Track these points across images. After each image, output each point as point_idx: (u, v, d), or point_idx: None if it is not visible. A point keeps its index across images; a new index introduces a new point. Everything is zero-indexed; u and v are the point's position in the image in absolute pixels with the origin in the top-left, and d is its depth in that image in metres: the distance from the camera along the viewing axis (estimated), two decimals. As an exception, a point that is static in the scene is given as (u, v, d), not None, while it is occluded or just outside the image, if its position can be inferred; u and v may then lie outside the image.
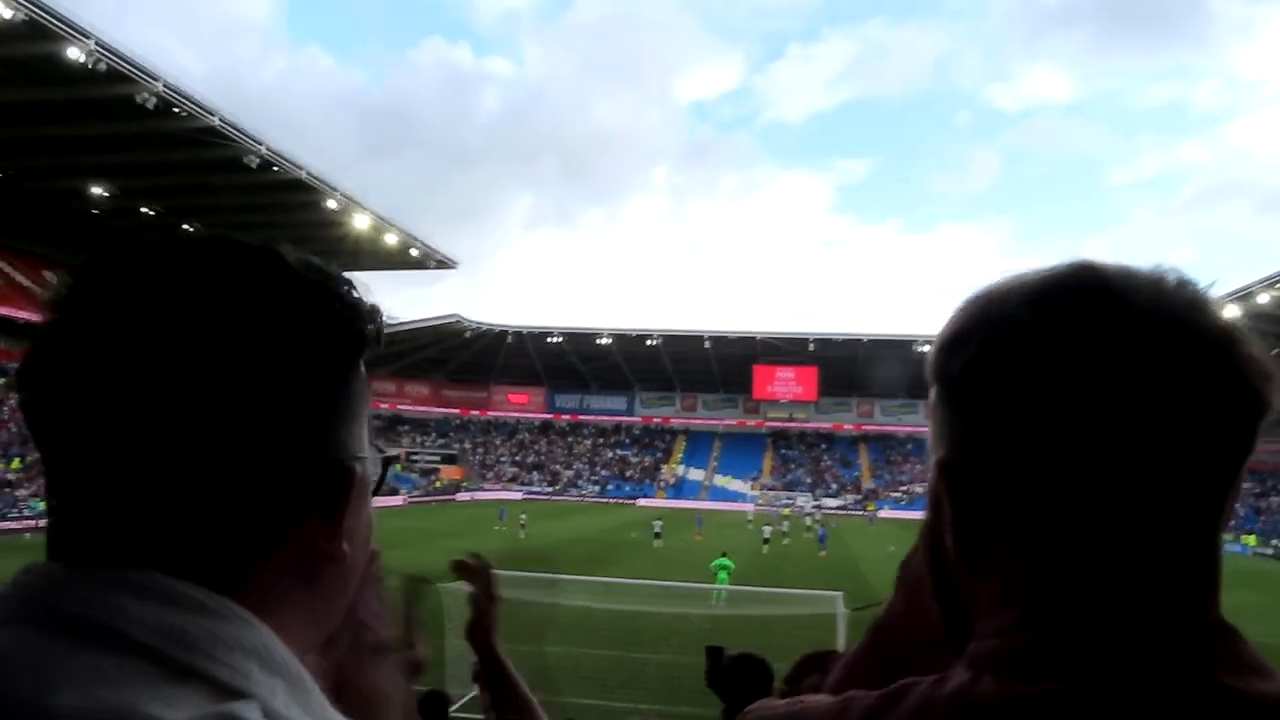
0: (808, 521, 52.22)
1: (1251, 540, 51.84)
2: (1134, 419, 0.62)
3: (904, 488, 78.60)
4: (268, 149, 43.24)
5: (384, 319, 0.69)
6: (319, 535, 0.63)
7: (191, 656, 0.55)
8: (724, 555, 27.04)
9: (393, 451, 0.78)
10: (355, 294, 0.67)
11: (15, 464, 44.02)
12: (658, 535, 41.36)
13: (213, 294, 0.60)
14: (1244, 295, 52.62)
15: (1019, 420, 0.65)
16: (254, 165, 42.91)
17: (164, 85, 36.93)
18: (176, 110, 38.16)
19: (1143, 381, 0.62)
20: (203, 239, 0.64)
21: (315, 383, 0.62)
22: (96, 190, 47.58)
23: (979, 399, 0.68)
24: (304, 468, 0.62)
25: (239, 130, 41.50)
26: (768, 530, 44.19)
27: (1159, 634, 0.62)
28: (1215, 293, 0.67)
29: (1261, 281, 51.40)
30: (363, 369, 0.68)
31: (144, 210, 50.81)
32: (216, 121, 39.99)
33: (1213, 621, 0.64)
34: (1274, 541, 50.49)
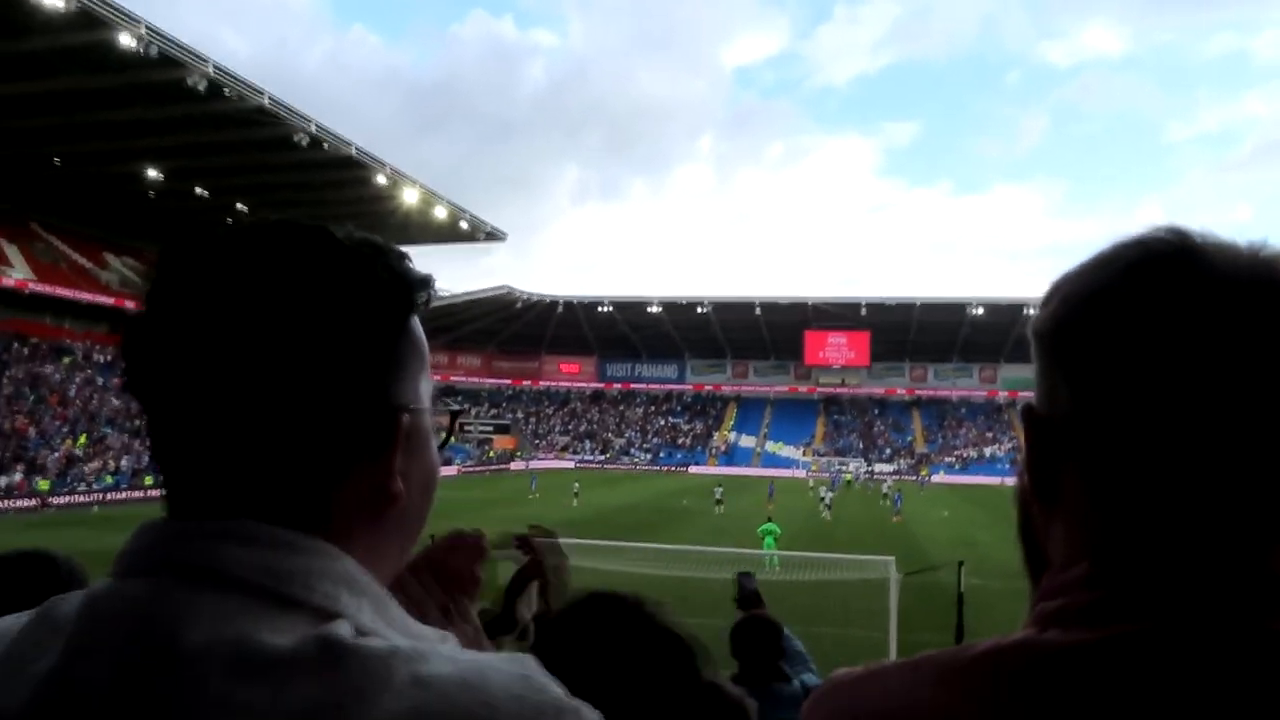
0: (885, 488, 51.68)
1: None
2: (1209, 379, 0.64)
3: (957, 452, 77.84)
4: (316, 126, 43.74)
5: (433, 285, 0.78)
6: (379, 475, 0.72)
7: (290, 589, 0.65)
8: (769, 520, 27.09)
9: (457, 406, 0.87)
10: (403, 262, 0.76)
11: (82, 440, 45.37)
12: (719, 502, 41.52)
13: (275, 270, 0.70)
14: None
15: (1094, 376, 0.68)
16: (304, 143, 43.40)
17: (214, 67, 37.51)
18: (227, 92, 38.73)
19: (1220, 342, 0.64)
20: (262, 224, 0.74)
21: (365, 341, 0.71)
22: (151, 173, 48.53)
23: (1059, 353, 0.71)
24: (360, 416, 0.71)
25: (288, 109, 42.03)
26: (828, 495, 44.02)
27: (1221, 583, 0.64)
28: None
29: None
30: (416, 329, 0.77)
31: (198, 191, 51.75)
32: (266, 101, 40.53)
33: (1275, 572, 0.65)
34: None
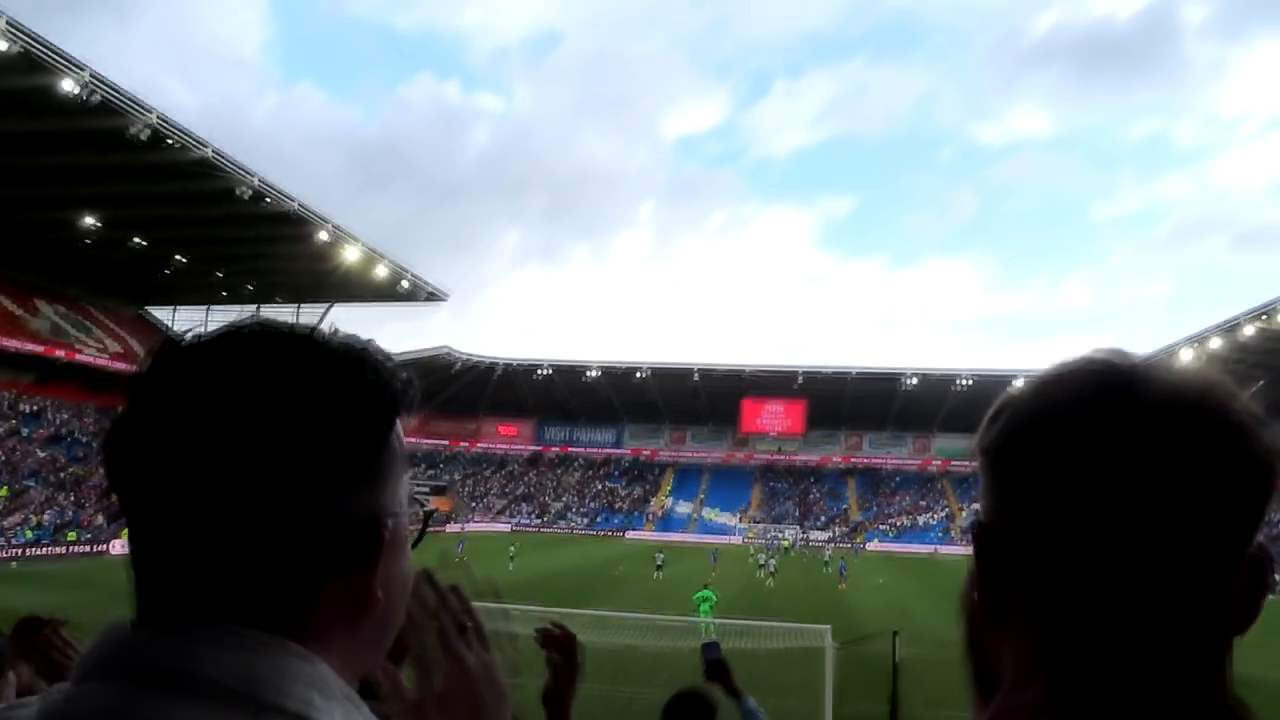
0: (826, 556, 52.20)
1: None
2: (1146, 501, 0.66)
3: (891, 520, 78.53)
4: (259, 181, 43.43)
5: (416, 389, 0.79)
6: (358, 583, 0.73)
7: (264, 693, 0.65)
8: (706, 587, 27.02)
9: (430, 506, 0.87)
10: (387, 366, 0.77)
11: (3, 492, 43.70)
12: (659, 567, 41.35)
13: (261, 378, 0.70)
14: (1230, 328, 53.13)
15: (1040, 495, 0.69)
16: (246, 197, 43.02)
17: (157, 117, 37.17)
18: (169, 142, 38.37)
19: (1154, 464, 0.66)
20: (254, 328, 0.75)
21: (351, 451, 0.72)
22: (88, 221, 47.65)
23: (1004, 471, 0.73)
24: (344, 526, 0.71)
25: (231, 162, 41.70)
26: (771, 562, 44.39)
27: (1171, 709, 0.65)
28: (1234, 386, 0.71)
29: (1247, 313, 51.90)
30: (399, 433, 0.77)
31: (135, 240, 50.90)
32: (209, 153, 40.19)
33: (1224, 703, 0.67)
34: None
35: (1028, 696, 0.69)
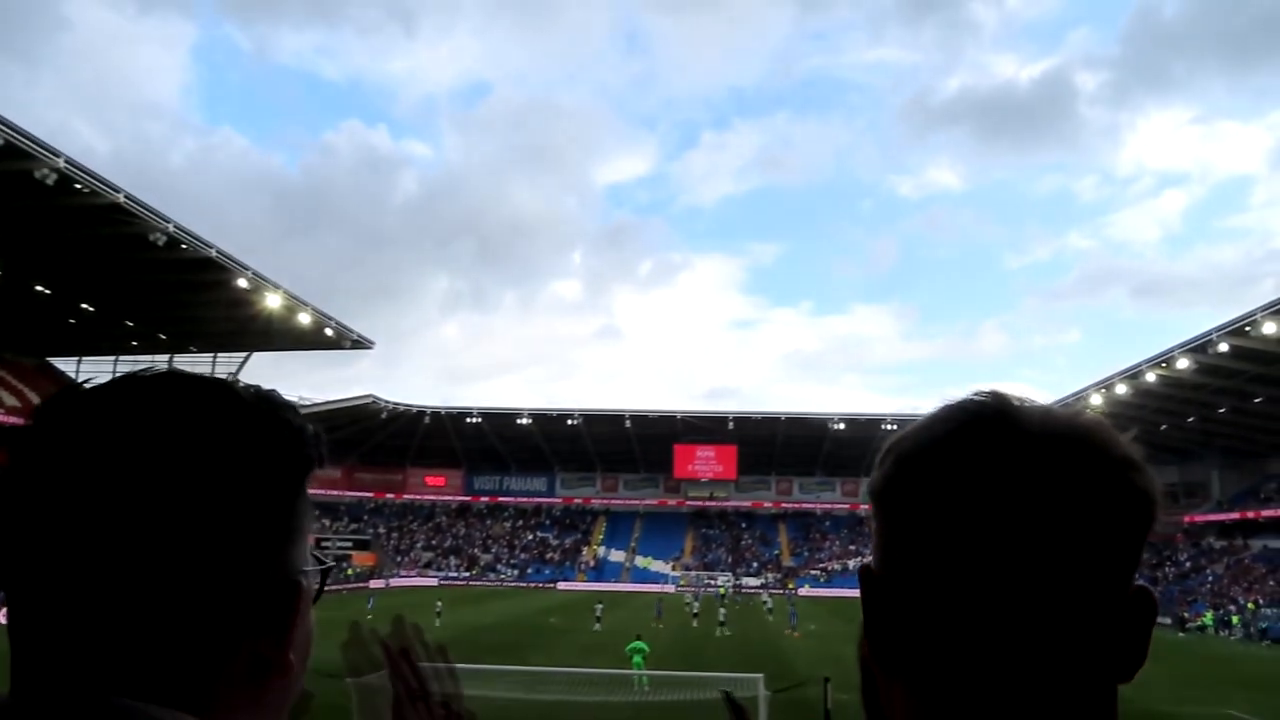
0: (767, 602, 52.25)
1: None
2: (1025, 534, 0.65)
3: (822, 565, 78.66)
4: (175, 226, 42.13)
5: (324, 441, 0.75)
6: (268, 648, 0.68)
7: None
8: (638, 639, 26.49)
9: (331, 562, 0.81)
10: (300, 417, 0.73)
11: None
12: (599, 619, 40.62)
13: (170, 429, 0.65)
14: (1134, 374, 54.88)
15: (921, 535, 0.68)
16: (160, 243, 41.63)
17: (65, 161, 35.85)
18: (79, 186, 37.01)
19: (1034, 497, 0.65)
20: (157, 375, 0.69)
21: (266, 507, 0.67)
22: (-11, 269, 45.67)
23: (889, 512, 0.72)
24: (256, 586, 0.67)
25: (145, 208, 40.36)
26: (722, 612, 44.52)
27: None
28: (1114, 428, 0.71)
29: (1148, 361, 53.67)
30: (306, 489, 0.73)
31: (38, 289, 48.90)
32: (121, 198, 38.87)
33: None
34: (1171, 615, 51.45)
35: None
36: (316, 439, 0.74)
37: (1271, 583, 51.58)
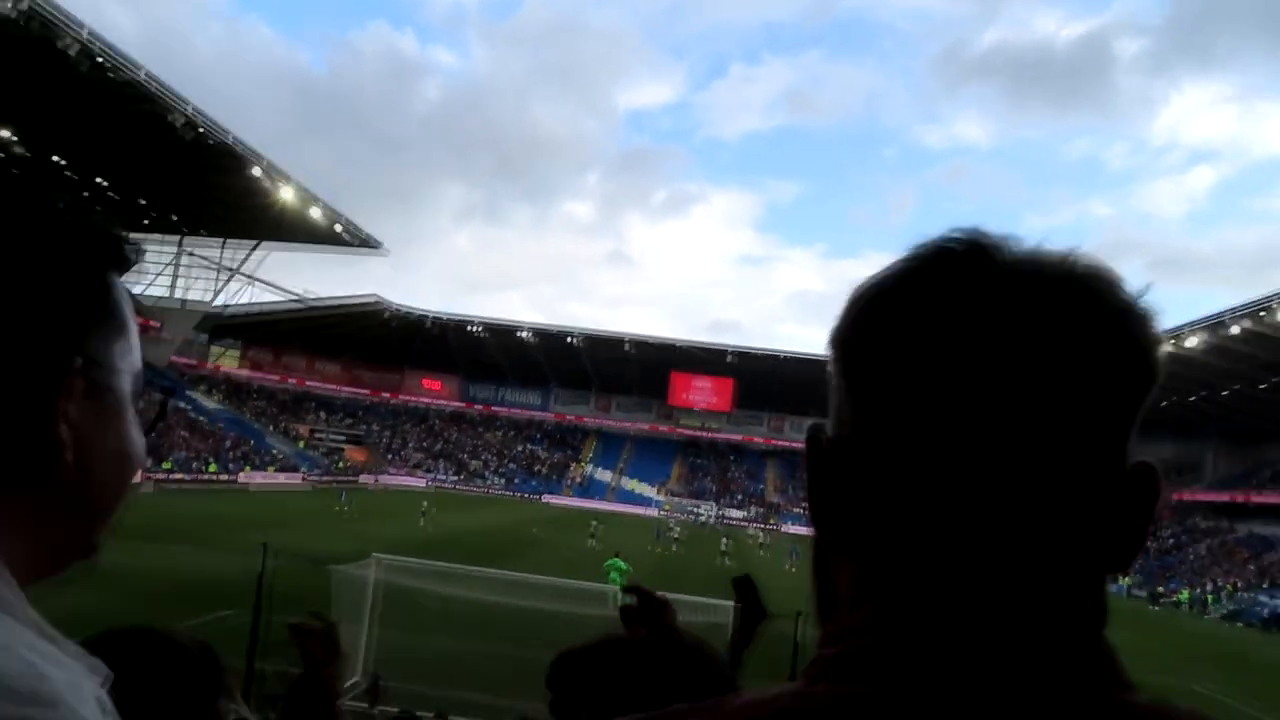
0: (761, 537, 53.32)
1: (1128, 580, 53.97)
2: (1005, 382, 0.55)
3: (806, 503, 79.62)
4: (193, 109, 42.06)
5: (136, 254, 0.71)
6: (37, 421, 0.62)
7: None
8: (617, 556, 27.23)
9: (167, 385, 0.77)
10: (101, 218, 0.69)
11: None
12: (593, 535, 41.53)
13: None
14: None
15: (877, 385, 0.59)
16: (178, 125, 41.60)
17: (88, 33, 35.65)
18: (100, 61, 36.83)
19: (1018, 342, 0.56)
20: None
21: (41, 279, 0.63)
22: (4, 134, 45.57)
23: (850, 364, 0.62)
24: (17, 351, 0.61)
25: (165, 88, 40.26)
26: (725, 542, 45.44)
27: (1033, 636, 0.55)
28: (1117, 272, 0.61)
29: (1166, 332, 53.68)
30: (116, 292, 0.69)
31: (55, 159, 48.88)
32: (142, 76, 38.75)
33: (1096, 645, 0.56)
34: (1148, 589, 52.34)
35: (856, 618, 0.59)
36: (119, 239, 0.70)
37: (1253, 568, 51.83)
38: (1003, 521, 0.55)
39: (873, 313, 0.60)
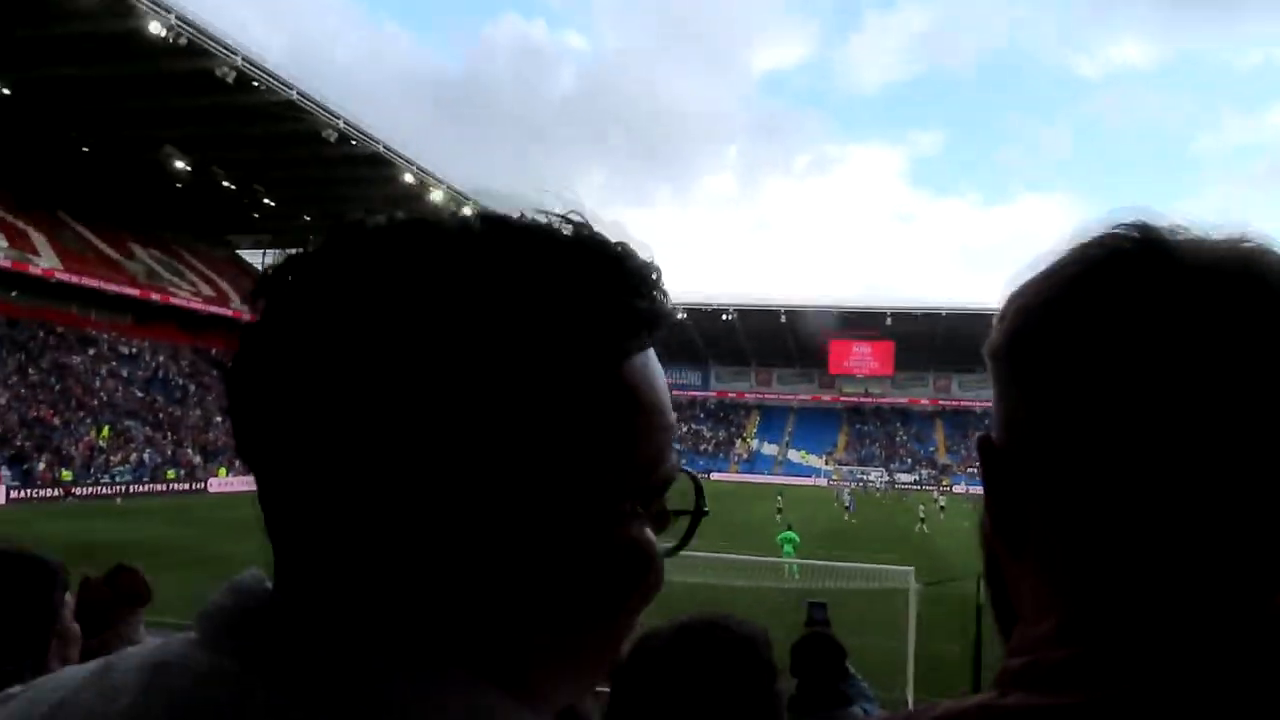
0: (939, 500, 51.64)
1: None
2: (1189, 389, 0.54)
3: (979, 463, 77.00)
4: (345, 122, 43.81)
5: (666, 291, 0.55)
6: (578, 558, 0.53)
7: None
8: (789, 529, 26.81)
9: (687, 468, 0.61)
10: (637, 258, 0.54)
11: (105, 431, 45.46)
12: (780, 510, 41.35)
13: (473, 273, 0.49)
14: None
15: (1054, 395, 0.57)
16: (332, 139, 43.47)
17: (243, 59, 37.63)
18: (255, 84, 38.82)
19: (1200, 344, 0.54)
20: (446, 213, 0.53)
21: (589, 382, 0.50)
22: (178, 164, 48.67)
23: (1015, 372, 0.60)
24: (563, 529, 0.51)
25: (317, 104, 42.12)
26: (921, 509, 43.93)
27: (1225, 638, 0.52)
28: None
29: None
30: (651, 360, 0.55)
31: (224, 184, 51.89)
32: (295, 95, 40.60)
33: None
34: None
35: (1043, 629, 0.57)
36: (659, 281, 0.55)
37: None
38: (1198, 529, 0.54)
39: (1050, 322, 0.59)
